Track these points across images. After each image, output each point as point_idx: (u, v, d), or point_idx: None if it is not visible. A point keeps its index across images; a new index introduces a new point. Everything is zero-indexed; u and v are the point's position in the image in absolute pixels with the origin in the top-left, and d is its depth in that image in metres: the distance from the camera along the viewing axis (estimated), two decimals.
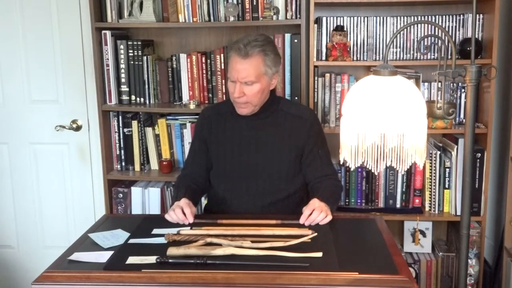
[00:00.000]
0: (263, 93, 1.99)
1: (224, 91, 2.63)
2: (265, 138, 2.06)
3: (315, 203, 1.86)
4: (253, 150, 2.06)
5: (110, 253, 1.60)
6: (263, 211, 2.02)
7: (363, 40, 2.55)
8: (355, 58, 2.56)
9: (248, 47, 1.92)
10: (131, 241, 1.69)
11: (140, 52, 2.62)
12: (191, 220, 1.84)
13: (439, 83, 2.18)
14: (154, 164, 2.74)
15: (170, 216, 1.86)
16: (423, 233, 2.68)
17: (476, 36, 2.48)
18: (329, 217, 1.83)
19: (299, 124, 2.06)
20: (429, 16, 2.55)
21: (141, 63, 2.63)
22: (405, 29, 2.51)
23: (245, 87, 1.94)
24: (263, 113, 2.05)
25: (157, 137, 2.71)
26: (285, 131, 2.05)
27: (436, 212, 2.57)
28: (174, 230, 1.73)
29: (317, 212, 1.81)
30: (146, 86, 2.66)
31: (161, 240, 1.68)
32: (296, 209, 2.02)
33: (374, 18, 2.53)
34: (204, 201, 2.44)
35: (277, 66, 2.02)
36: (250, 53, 1.91)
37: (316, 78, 2.54)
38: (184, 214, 1.83)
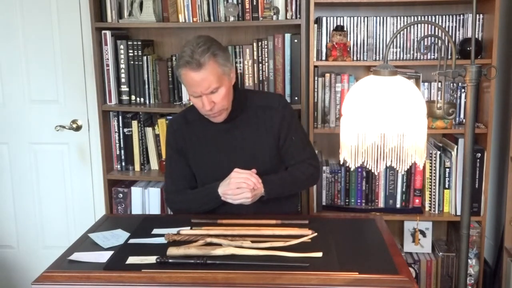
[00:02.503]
0: (230, 93, 1.92)
1: None
2: (242, 138, 2.00)
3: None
4: (232, 153, 1.99)
5: (110, 253, 1.60)
6: (255, 210, 1.94)
7: (363, 40, 2.55)
8: (355, 58, 2.56)
9: (196, 56, 1.80)
10: (131, 241, 1.69)
11: (140, 52, 2.62)
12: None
13: (439, 83, 2.18)
14: (154, 164, 2.74)
15: (237, 184, 1.86)
16: (423, 233, 2.68)
17: (476, 36, 2.48)
18: (240, 200, 1.87)
19: (270, 115, 1.99)
20: (429, 16, 2.55)
21: (141, 63, 2.63)
22: (405, 29, 2.51)
23: (212, 96, 1.85)
24: (233, 112, 1.97)
25: (157, 137, 2.71)
26: (259, 125, 1.99)
27: (436, 212, 2.57)
28: (174, 230, 1.72)
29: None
30: (146, 86, 2.66)
31: (161, 240, 1.68)
32: (286, 202, 2.04)
33: (374, 18, 2.53)
34: None
35: (229, 61, 1.93)
36: (202, 61, 1.80)
37: (316, 78, 2.54)
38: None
